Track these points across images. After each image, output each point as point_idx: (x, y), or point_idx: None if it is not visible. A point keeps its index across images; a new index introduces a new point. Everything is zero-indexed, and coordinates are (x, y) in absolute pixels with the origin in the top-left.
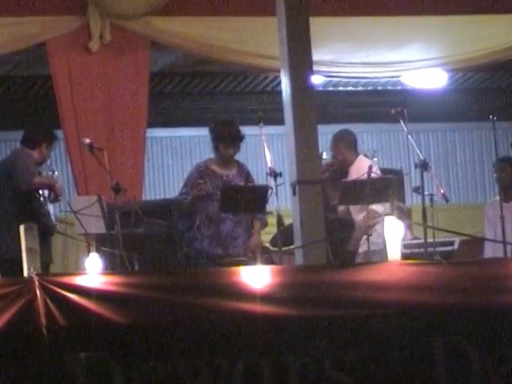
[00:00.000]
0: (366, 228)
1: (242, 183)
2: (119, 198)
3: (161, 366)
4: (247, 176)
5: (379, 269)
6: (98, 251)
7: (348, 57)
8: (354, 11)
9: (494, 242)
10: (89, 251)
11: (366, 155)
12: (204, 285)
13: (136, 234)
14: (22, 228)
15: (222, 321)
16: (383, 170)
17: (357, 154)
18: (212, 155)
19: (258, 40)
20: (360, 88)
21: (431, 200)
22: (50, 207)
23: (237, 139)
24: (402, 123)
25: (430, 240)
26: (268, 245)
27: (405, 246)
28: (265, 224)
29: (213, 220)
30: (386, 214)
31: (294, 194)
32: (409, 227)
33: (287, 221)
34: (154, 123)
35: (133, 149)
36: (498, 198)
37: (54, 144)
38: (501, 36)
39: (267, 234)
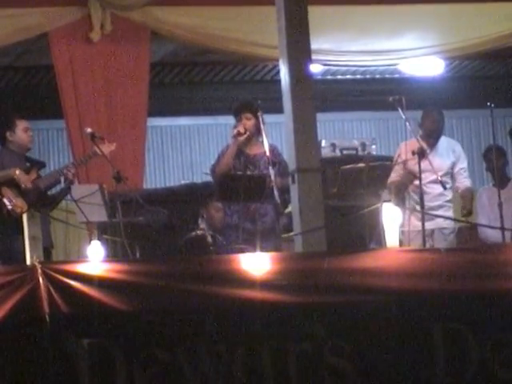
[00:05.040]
0: None
1: (265, 161)
2: (120, 186)
3: (162, 352)
4: (274, 152)
5: (378, 255)
6: (99, 239)
7: (346, 45)
8: (351, 0)
9: (489, 224)
10: (90, 239)
11: None
12: (204, 272)
13: (137, 222)
14: (24, 216)
15: (222, 308)
16: (381, 158)
17: None
18: (213, 144)
19: (256, 29)
20: (358, 76)
21: None
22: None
23: (237, 111)
24: (400, 111)
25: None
26: None
27: None
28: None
29: None
30: None
31: (293, 182)
32: None
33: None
34: (154, 112)
35: (133, 138)
36: (491, 185)
37: (16, 125)
38: (497, 24)
39: None
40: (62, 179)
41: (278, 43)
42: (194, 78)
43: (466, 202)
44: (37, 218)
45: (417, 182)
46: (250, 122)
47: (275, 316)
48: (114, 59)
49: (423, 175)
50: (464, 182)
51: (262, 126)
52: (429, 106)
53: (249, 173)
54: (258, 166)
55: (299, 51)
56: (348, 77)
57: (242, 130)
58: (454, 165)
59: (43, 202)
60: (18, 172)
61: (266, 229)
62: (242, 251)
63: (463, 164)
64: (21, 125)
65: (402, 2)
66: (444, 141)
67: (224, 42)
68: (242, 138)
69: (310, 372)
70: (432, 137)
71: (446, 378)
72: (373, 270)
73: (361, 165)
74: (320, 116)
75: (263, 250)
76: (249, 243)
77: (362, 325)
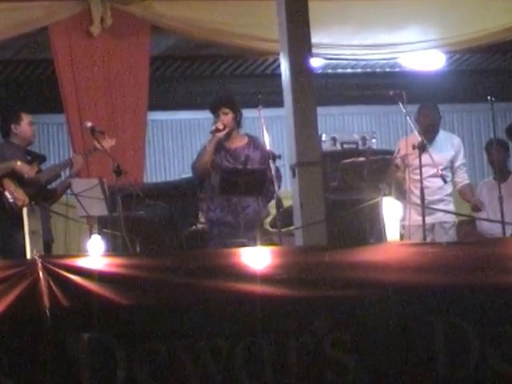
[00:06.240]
0: None
1: (248, 154)
2: (120, 180)
3: (162, 346)
4: (256, 144)
5: (378, 249)
6: (100, 233)
7: (346, 39)
8: None
9: (488, 217)
10: (91, 233)
11: None
12: (205, 266)
13: (137, 216)
14: (24, 210)
15: (223, 302)
16: (381, 152)
17: None
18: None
19: (257, 23)
20: (358, 70)
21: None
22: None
23: (214, 107)
24: (401, 105)
25: None
26: (267, 227)
27: None
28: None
29: None
30: None
31: (294, 176)
32: None
33: (287, 203)
34: (154, 106)
35: (134, 132)
36: (491, 178)
37: (22, 118)
38: (498, 17)
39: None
40: (68, 169)
41: (279, 37)
42: (195, 72)
43: (469, 199)
44: (37, 212)
45: (417, 177)
46: (227, 117)
47: (275, 310)
48: (114, 53)
49: (423, 169)
50: (464, 177)
51: (262, 120)
52: (430, 100)
53: (249, 167)
54: (238, 160)
55: (300, 45)
56: (348, 71)
57: (220, 127)
58: (453, 158)
59: (43, 195)
60: (19, 163)
61: (248, 221)
62: (242, 245)
63: (463, 159)
64: (26, 119)
65: None
66: (443, 135)
67: (224, 35)
68: (220, 135)
69: (311, 366)
70: (428, 131)
71: (447, 371)
72: (373, 263)
73: (361, 159)
74: (320, 110)
75: (247, 242)
76: (232, 237)
77: (363, 318)
